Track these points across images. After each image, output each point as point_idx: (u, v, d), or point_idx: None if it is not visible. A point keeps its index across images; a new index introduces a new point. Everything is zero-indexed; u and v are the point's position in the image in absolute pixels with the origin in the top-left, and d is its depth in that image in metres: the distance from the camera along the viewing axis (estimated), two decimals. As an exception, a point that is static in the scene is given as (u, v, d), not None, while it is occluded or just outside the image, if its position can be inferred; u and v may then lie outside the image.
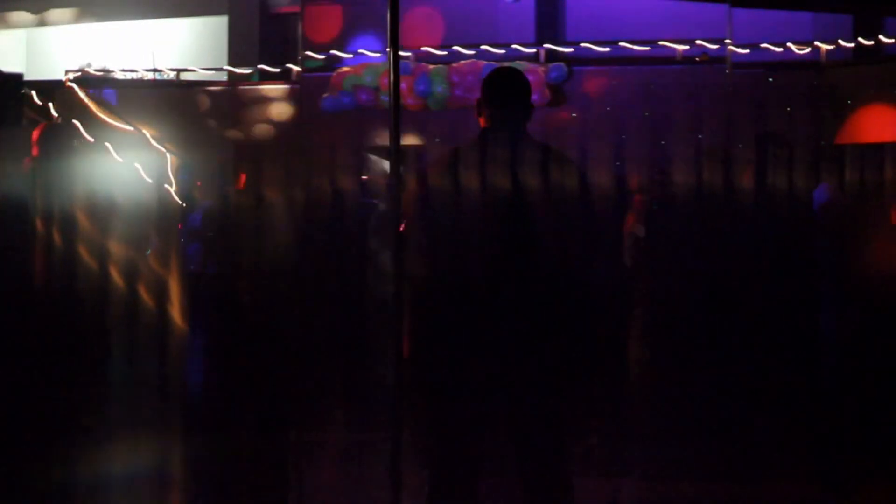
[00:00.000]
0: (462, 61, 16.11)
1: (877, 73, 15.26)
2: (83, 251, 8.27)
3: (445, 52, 16.44)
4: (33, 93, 17.00)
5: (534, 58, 16.42)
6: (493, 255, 4.19)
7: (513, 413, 4.28)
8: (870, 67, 15.44)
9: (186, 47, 18.89)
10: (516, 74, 4.48)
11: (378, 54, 16.36)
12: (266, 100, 17.01)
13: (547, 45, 16.65)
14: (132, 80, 17.77)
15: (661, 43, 15.99)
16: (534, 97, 14.40)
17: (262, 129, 16.48)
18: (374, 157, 15.56)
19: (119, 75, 17.87)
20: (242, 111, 16.89)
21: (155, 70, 17.76)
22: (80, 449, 6.20)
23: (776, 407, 7.79)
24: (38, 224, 7.78)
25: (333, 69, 16.44)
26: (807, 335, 7.96)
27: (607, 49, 16.40)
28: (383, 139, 4.61)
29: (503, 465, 4.63)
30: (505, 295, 4.18)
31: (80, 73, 17.74)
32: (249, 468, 6.13)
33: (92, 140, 17.21)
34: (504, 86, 4.41)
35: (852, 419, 6.38)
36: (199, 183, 9.24)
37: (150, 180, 16.90)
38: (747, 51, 15.43)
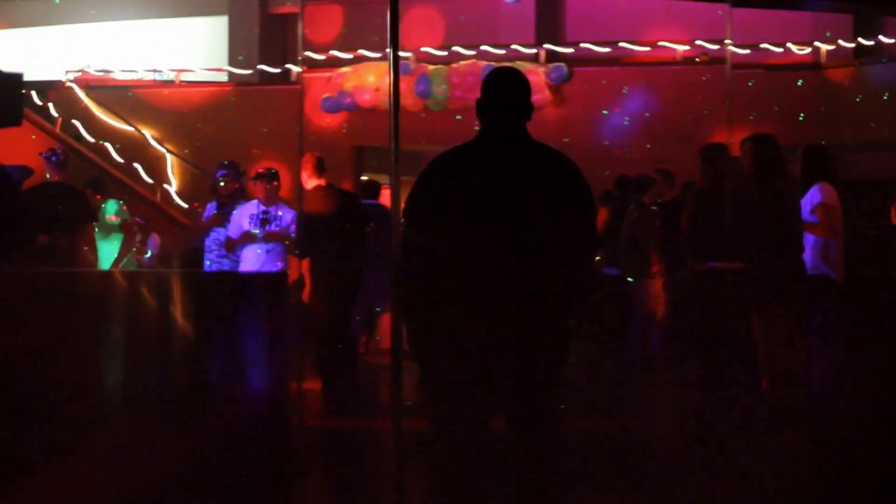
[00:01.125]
0: (462, 62, 16.14)
1: (877, 72, 15.29)
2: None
3: (445, 53, 16.47)
4: (33, 93, 17.03)
5: (534, 58, 16.45)
6: (492, 255, 4.19)
7: (510, 409, 4.29)
8: (870, 67, 15.46)
9: (187, 47, 18.88)
10: (515, 74, 4.47)
11: (378, 55, 16.37)
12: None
13: (547, 46, 16.67)
14: (132, 81, 17.80)
15: (661, 43, 16.00)
16: (534, 98, 14.39)
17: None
18: None
19: (119, 75, 17.89)
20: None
21: (155, 70, 17.77)
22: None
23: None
24: None
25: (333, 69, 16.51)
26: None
27: (607, 49, 16.43)
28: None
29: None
30: (504, 293, 4.18)
31: (80, 73, 17.77)
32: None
33: (92, 140, 17.27)
34: (503, 86, 4.41)
35: (845, 421, 6.37)
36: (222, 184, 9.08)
37: (150, 181, 16.95)
38: (747, 51, 15.43)
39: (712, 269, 7.51)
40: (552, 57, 16.46)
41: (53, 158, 9.76)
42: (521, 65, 15.15)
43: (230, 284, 4.59)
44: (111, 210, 10.25)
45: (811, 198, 7.69)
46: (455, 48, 16.49)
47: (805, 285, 7.61)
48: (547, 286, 4.25)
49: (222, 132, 16.68)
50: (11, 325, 4.33)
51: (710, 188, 7.58)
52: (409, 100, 15.76)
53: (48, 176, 9.57)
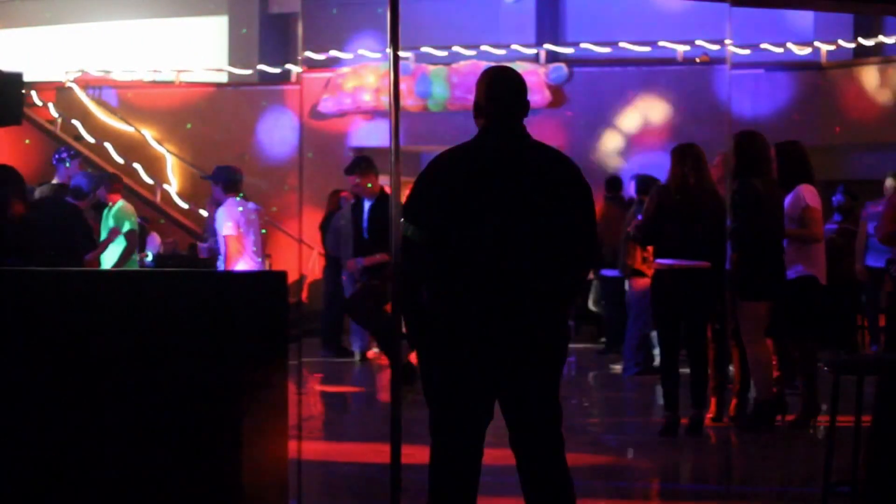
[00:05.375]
0: (462, 62, 16.14)
1: (876, 73, 15.28)
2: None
3: (445, 53, 16.47)
4: (33, 93, 17.02)
5: (534, 58, 16.45)
6: (492, 254, 4.19)
7: (510, 408, 4.29)
8: (870, 68, 15.44)
9: (187, 47, 18.87)
10: (510, 72, 4.48)
11: (378, 55, 16.36)
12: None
13: (547, 46, 16.67)
14: (132, 80, 17.79)
15: (660, 43, 16.00)
16: (534, 98, 14.45)
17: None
18: None
19: (119, 75, 17.88)
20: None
21: (155, 70, 17.77)
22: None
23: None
24: None
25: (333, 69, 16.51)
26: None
27: (607, 49, 16.43)
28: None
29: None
30: (503, 292, 4.18)
31: (80, 73, 17.76)
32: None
33: (92, 140, 17.26)
34: (502, 85, 4.41)
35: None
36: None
37: (150, 181, 16.95)
38: (748, 51, 15.43)
39: (670, 267, 7.55)
40: (552, 57, 16.46)
41: (67, 158, 9.75)
42: (520, 65, 15.15)
43: (229, 284, 4.58)
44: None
45: (796, 201, 7.66)
46: (455, 48, 16.49)
47: (784, 285, 7.59)
48: (546, 285, 4.26)
49: (222, 132, 16.68)
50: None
51: (670, 186, 7.62)
52: (409, 100, 15.76)
53: (66, 169, 9.60)
